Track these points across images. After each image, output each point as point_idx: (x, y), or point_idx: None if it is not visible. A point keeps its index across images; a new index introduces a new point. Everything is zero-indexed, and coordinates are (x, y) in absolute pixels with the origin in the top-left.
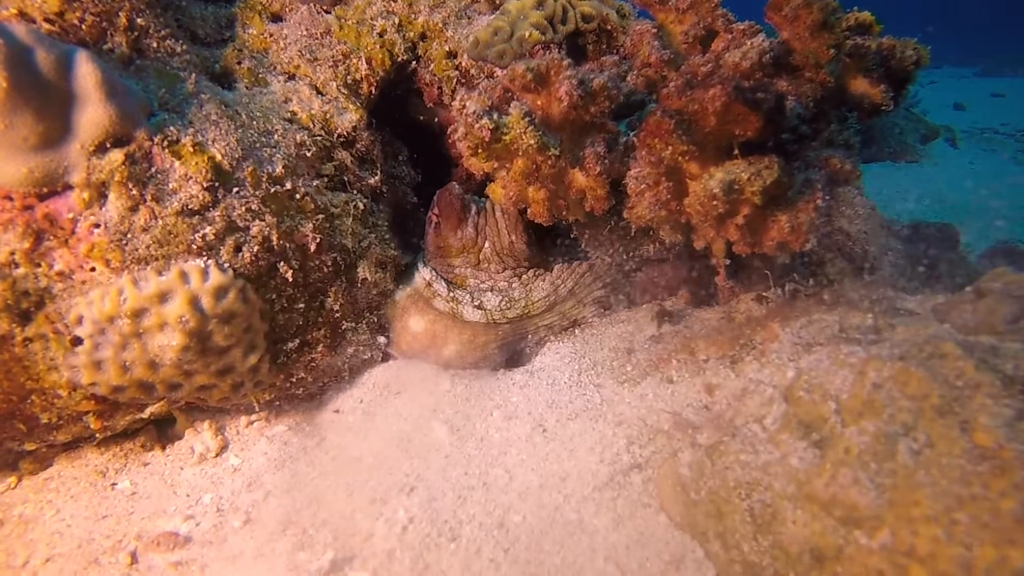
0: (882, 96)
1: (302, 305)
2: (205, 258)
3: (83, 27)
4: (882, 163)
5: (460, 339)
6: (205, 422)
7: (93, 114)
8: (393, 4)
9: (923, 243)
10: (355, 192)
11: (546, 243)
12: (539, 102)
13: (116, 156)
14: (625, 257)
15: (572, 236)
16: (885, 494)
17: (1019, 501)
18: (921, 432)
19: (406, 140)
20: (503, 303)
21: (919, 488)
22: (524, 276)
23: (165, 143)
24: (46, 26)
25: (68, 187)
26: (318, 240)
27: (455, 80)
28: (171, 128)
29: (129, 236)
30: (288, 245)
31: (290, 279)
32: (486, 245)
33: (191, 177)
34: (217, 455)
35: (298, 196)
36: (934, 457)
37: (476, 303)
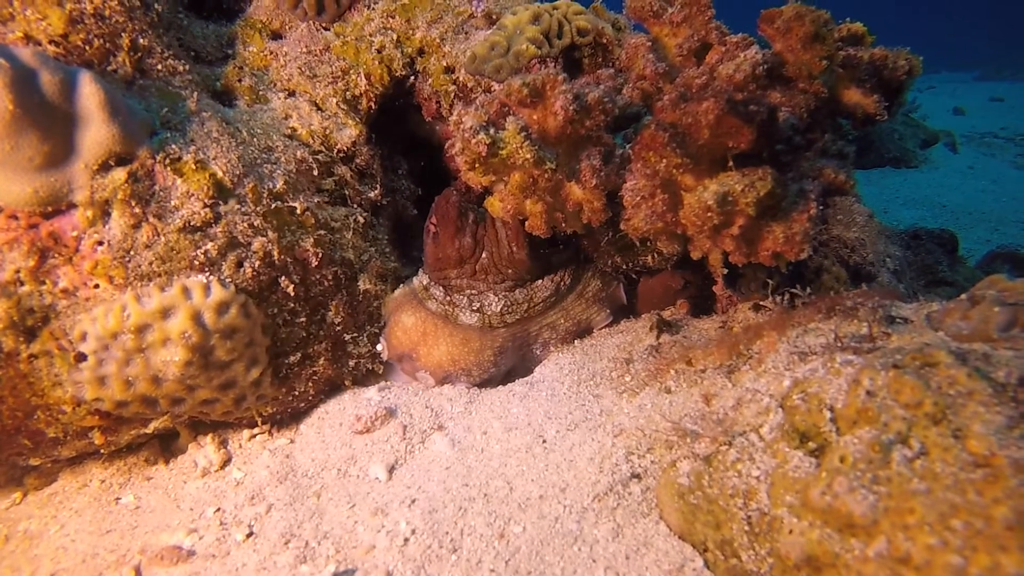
0: (875, 106)
1: (304, 319)
2: (207, 274)
3: (87, 48)
4: (881, 169)
5: (452, 340)
6: (208, 436)
7: (96, 134)
8: (391, 20)
9: (922, 249)
10: (355, 206)
11: (547, 254)
12: (535, 116)
13: (119, 175)
14: (625, 268)
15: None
16: (880, 502)
17: (1011, 508)
18: (915, 440)
19: (405, 154)
20: (504, 307)
21: (914, 496)
22: (526, 285)
23: (167, 161)
24: (50, 48)
25: (72, 206)
26: (319, 255)
27: (453, 94)
28: (173, 146)
29: (132, 253)
30: (289, 260)
31: (292, 293)
32: (483, 255)
33: (193, 194)
34: (220, 469)
35: (299, 211)
36: (928, 465)
37: (475, 307)
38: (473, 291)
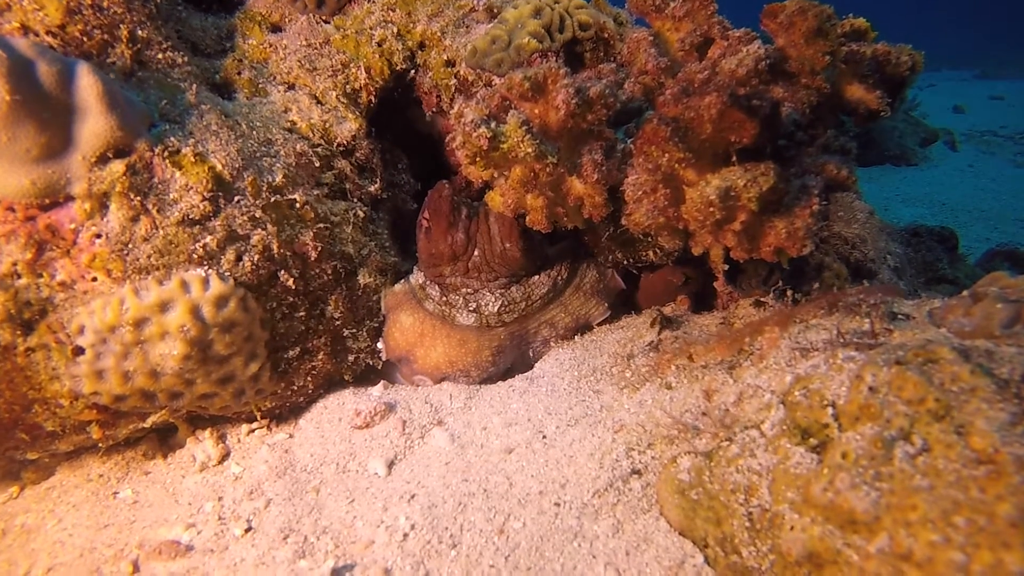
0: (878, 101)
1: (303, 313)
2: (206, 267)
3: (85, 39)
4: (882, 166)
5: (449, 342)
6: (206, 430)
7: (94, 125)
8: (391, 14)
9: (922, 246)
10: (355, 200)
11: (542, 249)
12: (536, 110)
13: (117, 167)
14: (626, 263)
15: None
16: (882, 499)
17: (1014, 505)
18: (917, 436)
19: (406, 148)
20: (502, 307)
21: (916, 492)
22: (522, 282)
23: (166, 153)
24: (48, 39)
25: (70, 198)
26: (319, 248)
27: (454, 88)
28: (172, 138)
29: (130, 246)
30: (289, 254)
31: (291, 287)
32: (475, 253)
33: (192, 187)
34: (218, 463)
35: (298, 205)
36: (931, 461)
37: (471, 307)
38: (468, 290)
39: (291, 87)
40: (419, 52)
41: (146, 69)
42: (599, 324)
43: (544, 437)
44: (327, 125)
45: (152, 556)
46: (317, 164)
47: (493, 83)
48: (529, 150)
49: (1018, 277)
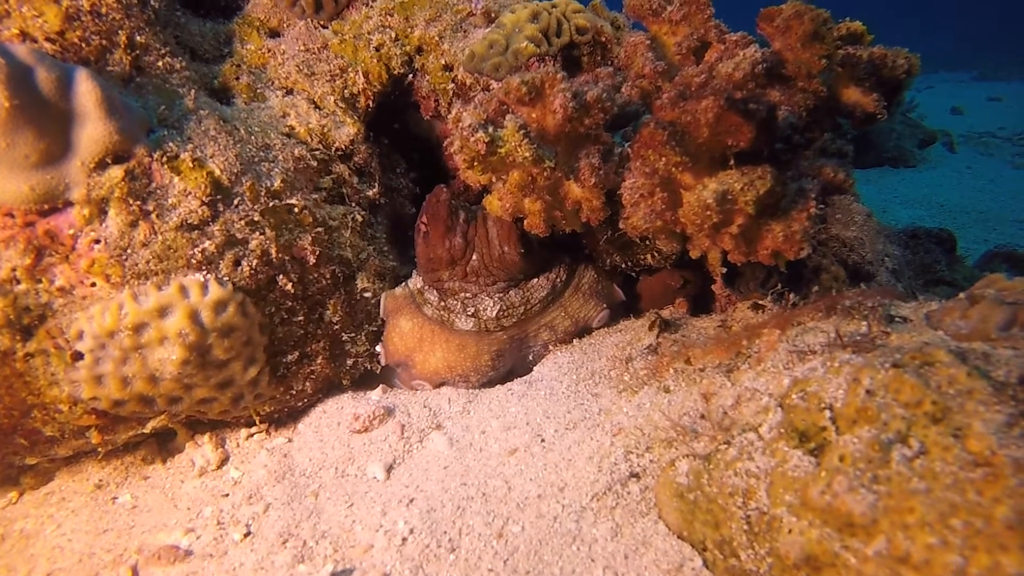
0: (874, 104)
1: (301, 317)
2: (204, 272)
3: (83, 46)
4: (880, 168)
5: (448, 347)
6: (205, 435)
7: (93, 131)
8: (389, 18)
9: (920, 248)
10: (353, 205)
11: (543, 253)
12: (534, 115)
13: (116, 172)
14: (624, 266)
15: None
16: (880, 501)
17: (1011, 507)
18: (914, 439)
19: (404, 152)
20: (500, 311)
21: (913, 495)
22: (521, 286)
23: (164, 159)
24: (47, 45)
25: (69, 203)
26: (317, 253)
27: (451, 92)
28: (170, 144)
29: (129, 251)
30: (287, 258)
31: (290, 292)
32: (473, 257)
33: (190, 192)
34: (217, 468)
35: (297, 209)
36: (928, 464)
37: (469, 311)
38: (467, 294)
39: (289, 92)
40: (417, 56)
41: (145, 75)
42: (598, 326)
43: (543, 441)
44: (325, 130)
45: (151, 561)
46: (315, 168)
47: (491, 87)
48: (527, 154)
49: (1015, 279)
